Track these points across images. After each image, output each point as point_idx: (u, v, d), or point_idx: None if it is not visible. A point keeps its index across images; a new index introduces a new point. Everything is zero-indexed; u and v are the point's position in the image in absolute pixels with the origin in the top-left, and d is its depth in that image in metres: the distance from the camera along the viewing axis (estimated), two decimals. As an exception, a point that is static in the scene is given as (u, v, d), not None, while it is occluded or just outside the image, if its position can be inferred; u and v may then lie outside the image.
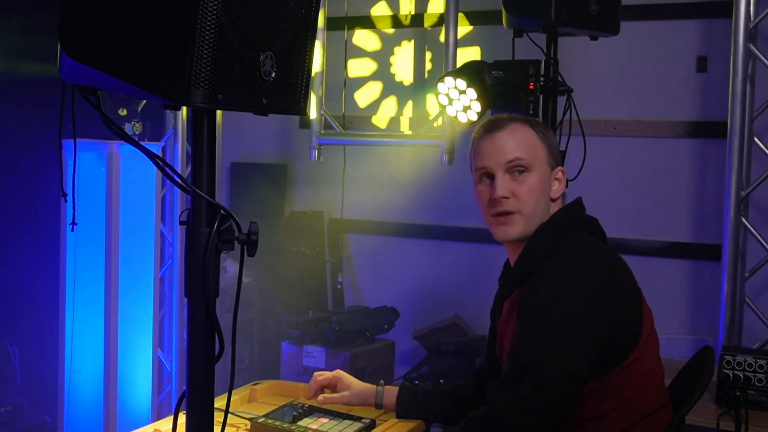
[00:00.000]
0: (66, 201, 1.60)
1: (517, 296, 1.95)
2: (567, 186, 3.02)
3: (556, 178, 2.02)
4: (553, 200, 2.01)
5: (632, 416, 1.87)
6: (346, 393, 2.21)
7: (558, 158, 2.04)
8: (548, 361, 1.76)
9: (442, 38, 3.99)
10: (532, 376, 1.76)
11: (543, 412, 1.76)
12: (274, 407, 2.29)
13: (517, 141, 1.96)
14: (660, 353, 1.98)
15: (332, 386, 2.25)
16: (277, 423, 2.14)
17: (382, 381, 2.26)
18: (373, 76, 4.64)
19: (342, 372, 2.26)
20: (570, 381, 1.77)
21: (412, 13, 4.56)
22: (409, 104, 4.58)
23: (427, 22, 4.51)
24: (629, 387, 1.86)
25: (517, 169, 1.95)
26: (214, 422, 1.47)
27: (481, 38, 4.37)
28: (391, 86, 4.61)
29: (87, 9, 1.39)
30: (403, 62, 4.59)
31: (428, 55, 4.53)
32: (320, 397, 2.21)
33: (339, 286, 4.58)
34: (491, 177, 1.97)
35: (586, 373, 1.79)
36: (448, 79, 3.05)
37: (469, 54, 4.31)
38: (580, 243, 1.94)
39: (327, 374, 2.25)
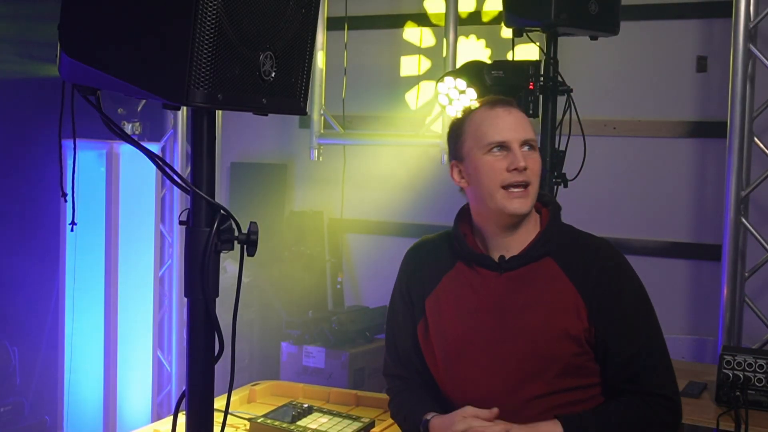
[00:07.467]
0: (66, 201, 1.60)
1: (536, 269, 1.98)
2: (566, 186, 3.04)
3: None
4: None
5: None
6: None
7: None
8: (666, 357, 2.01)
9: (442, 38, 3.99)
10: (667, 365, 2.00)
11: None
12: (274, 407, 2.30)
13: (527, 120, 2.02)
14: None
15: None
16: (277, 423, 2.14)
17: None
18: (374, 76, 4.64)
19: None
20: None
21: (413, 12, 4.56)
22: (409, 104, 4.58)
23: (428, 22, 4.51)
24: None
25: (529, 145, 1.98)
26: (214, 423, 1.47)
27: (480, 38, 4.37)
28: (392, 86, 4.61)
29: (87, 9, 1.39)
30: (403, 62, 4.59)
31: (428, 55, 4.54)
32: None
33: (339, 286, 4.58)
34: (505, 149, 1.96)
35: None
36: (448, 79, 3.06)
37: (468, 54, 4.31)
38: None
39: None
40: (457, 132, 2.04)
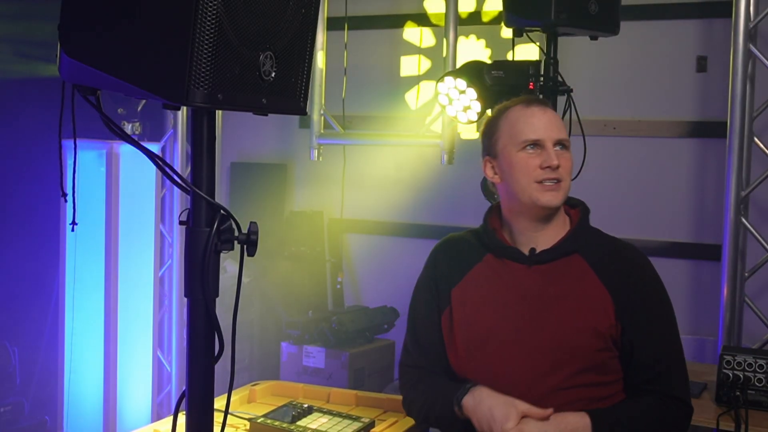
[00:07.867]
0: (66, 201, 1.60)
1: (564, 265, 2.02)
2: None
3: None
4: None
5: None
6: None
7: None
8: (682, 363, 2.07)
9: (442, 38, 3.99)
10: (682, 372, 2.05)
11: None
12: (274, 407, 2.29)
13: (561, 120, 2.09)
14: None
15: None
16: (277, 423, 2.14)
17: None
18: (374, 76, 4.63)
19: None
20: None
21: (413, 12, 4.56)
22: (409, 104, 4.58)
23: (428, 22, 4.51)
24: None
25: (562, 144, 2.03)
26: (214, 422, 1.47)
27: (480, 38, 4.37)
28: (392, 86, 4.61)
29: (87, 9, 1.38)
30: (403, 62, 4.59)
31: (428, 55, 4.54)
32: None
33: (339, 286, 4.58)
34: (539, 147, 2.01)
35: None
36: (448, 79, 3.05)
37: (469, 54, 4.31)
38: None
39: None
40: (491, 129, 2.09)
